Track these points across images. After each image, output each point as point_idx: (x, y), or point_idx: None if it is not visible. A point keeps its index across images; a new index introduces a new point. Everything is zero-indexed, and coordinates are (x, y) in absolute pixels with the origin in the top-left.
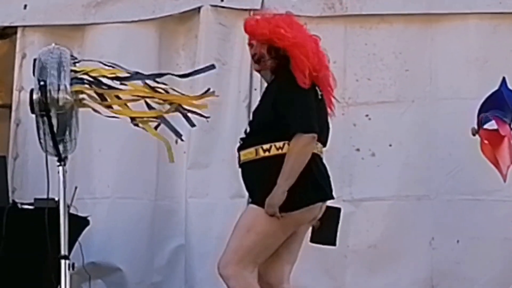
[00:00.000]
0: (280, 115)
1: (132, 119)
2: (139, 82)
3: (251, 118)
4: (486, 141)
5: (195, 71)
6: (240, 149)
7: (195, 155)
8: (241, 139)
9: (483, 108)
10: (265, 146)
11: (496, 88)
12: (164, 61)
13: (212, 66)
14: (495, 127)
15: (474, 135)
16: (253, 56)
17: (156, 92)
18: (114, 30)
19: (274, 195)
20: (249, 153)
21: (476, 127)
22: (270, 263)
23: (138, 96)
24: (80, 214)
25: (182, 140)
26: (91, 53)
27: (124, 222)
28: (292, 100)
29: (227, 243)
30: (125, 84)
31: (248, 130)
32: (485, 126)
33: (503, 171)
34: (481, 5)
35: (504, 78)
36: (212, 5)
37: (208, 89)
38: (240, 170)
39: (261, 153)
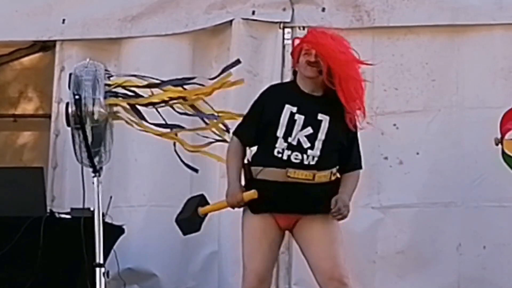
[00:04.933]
0: (351, 148)
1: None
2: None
3: (322, 134)
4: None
5: (222, 70)
6: (315, 168)
7: None
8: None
9: (505, 119)
10: (334, 171)
11: None
12: (197, 73)
13: (238, 61)
14: None
15: (497, 144)
16: (313, 62)
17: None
18: (149, 43)
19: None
20: (324, 176)
21: (499, 137)
22: None
23: (170, 97)
24: (115, 222)
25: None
26: (127, 65)
27: (159, 229)
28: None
29: (328, 253)
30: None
31: (316, 147)
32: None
33: None
34: (506, 16)
35: None
36: (243, 18)
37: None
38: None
39: (332, 178)
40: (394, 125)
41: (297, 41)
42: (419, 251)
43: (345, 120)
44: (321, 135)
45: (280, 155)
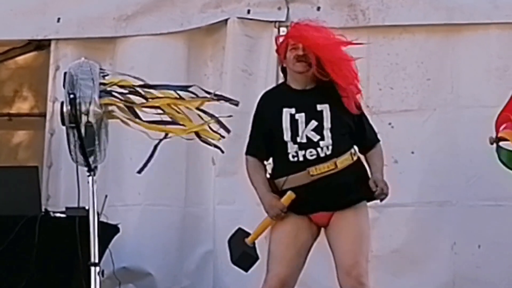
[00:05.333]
0: (362, 127)
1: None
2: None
3: (328, 123)
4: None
5: (221, 96)
6: (333, 156)
7: (223, 163)
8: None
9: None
10: (353, 151)
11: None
12: (192, 72)
13: (236, 103)
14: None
15: (492, 143)
16: (301, 56)
17: (182, 99)
18: (144, 42)
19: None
20: (345, 160)
21: (494, 136)
22: None
23: (167, 104)
24: (110, 222)
25: (222, 152)
26: (122, 64)
27: (154, 228)
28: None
29: (351, 248)
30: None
31: (326, 136)
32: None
33: None
34: (501, 15)
35: None
36: (238, 17)
37: (232, 101)
38: (328, 179)
39: (354, 158)
40: (389, 124)
41: (280, 39)
42: (414, 250)
43: (344, 105)
44: (327, 124)
45: (295, 159)
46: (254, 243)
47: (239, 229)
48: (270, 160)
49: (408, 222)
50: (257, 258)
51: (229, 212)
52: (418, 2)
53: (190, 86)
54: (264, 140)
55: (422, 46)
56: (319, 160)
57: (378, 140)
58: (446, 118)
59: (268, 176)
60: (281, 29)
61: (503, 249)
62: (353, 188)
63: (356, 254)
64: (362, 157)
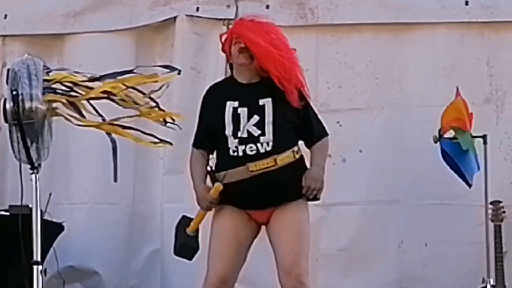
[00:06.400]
0: (308, 121)
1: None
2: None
3: (269, 116)
4: (447, 150)
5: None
6: (273, 153)
7: (171, 161)
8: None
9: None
10: (296, 149)
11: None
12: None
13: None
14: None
15: (435, 142)
16: (243, 48)
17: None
18: (92, 39)
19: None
20: (286, 158)
21: (437, 135)
22: None
23: (107, 92)
24: (55, 220)
25: (170, 144)
26: (70, 61)
27: (101, 227)
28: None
29: (291, 248)
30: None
31: (267, 132)
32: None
33: (468, 179)
34: (448, 15)
35: (457, 88)
36: (187, 15)
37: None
38: (264, 175)
39: (296, 156)
40: (338, 122)
41: (224, 36)
42: (362, 248)
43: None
44: (268, 118)
45: (235, 153)
46: (197, 232)
47: (183, 216)
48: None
49: (355, 221)
50: (198, 248)
51: (177, 210)
52: (366, 1)
53: (132, 70)
54: (208, 133)
55: (371, 45)
56: (259, 156)
57: (326, 134)
58: (394, 117)
59: (209, 169)
60: (230, 27)
61: (449, 247)
62: (292, 187)
63: (296, 254)
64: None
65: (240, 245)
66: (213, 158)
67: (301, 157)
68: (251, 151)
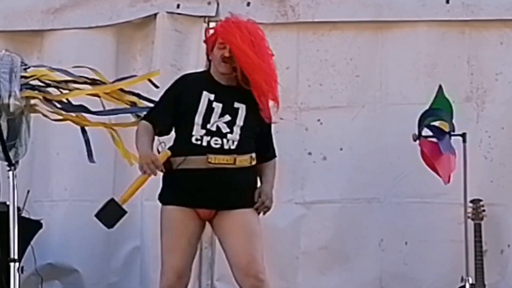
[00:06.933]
0: (269, 138)
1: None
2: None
3: (240, 121)
4: (425, 150)
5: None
6: (235, 152)
7: None
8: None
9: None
10: (253, 156)
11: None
12: (121, 66)
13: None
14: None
15: (415, 140)
16: (227, 58)
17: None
18: (72, 36)
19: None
20: (244, 160)
21: (417, 133)
22: None
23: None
24: (33, 217)
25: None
26: (50, 58)
27: (81, 224)
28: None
29: (245, 248)
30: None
31: (235, 132)
32: (424, 134)
33: (445, 178)
34: (429, 13)
35: (440, 86)
36: (168, 12)
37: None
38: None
39: (252, 162)
40: (318, 120)
41: (211, 31)
42: (342, 246)
43: (259, 111)
44: (239, 121)
45: (199, 142)
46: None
47: (112, 200)
48: (162, 138)
49: (336, 219)
50: (124, 212)
51: (157, 208)
52: None
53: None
54: (169, 114)
55: (351, 43)
56: (221, 150)
57: (276, 156)
58: (374, 115)
59: (161, 148)
60: (211, 24)
61: (429, 246)
62: (242, 192)
63: (251, 253)
64: None
65: (191, 236)
66: (158, 140)
67: (254, 166)
68: (216, 144)
